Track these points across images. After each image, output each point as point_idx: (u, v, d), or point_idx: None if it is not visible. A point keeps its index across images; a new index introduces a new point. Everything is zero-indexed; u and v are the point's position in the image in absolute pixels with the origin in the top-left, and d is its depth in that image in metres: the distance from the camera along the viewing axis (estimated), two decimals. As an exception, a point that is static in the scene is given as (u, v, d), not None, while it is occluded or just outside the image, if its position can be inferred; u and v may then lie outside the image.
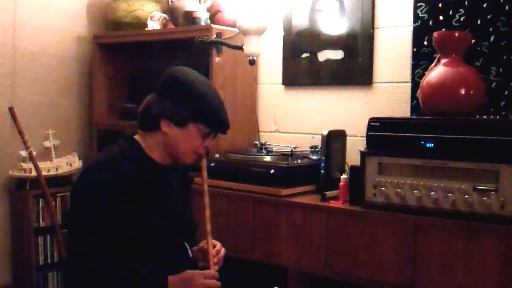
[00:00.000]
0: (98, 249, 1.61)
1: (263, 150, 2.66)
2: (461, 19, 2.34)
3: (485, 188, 1.86)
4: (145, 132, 1.74)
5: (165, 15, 3.07)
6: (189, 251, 1.85)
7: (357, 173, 2.14)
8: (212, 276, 1.71)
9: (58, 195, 3.06)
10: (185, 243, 1.87)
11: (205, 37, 2.62)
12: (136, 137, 1.76)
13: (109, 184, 1.62)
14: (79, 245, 1.63)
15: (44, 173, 3.00)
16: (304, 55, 2.84)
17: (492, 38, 2.27)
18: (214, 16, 2.85)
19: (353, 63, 2.68)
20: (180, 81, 1.71)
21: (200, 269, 1.77)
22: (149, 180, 1.71)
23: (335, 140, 2.41)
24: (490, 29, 2.27)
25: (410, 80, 2.50)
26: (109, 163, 1.68)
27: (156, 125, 1.69)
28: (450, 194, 1.92)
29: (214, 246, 1.82)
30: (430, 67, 2.25)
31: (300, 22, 2.84)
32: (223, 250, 1.85)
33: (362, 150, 2.14)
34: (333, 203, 2.21)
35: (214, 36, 2.65)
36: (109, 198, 1.61)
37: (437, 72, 2.16)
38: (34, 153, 2.96)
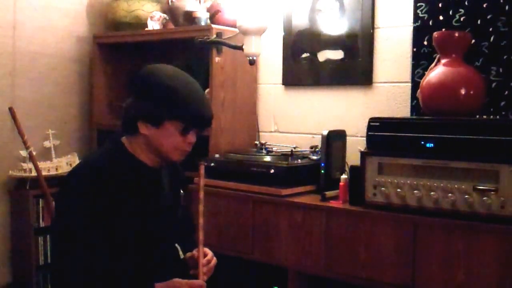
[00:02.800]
0: (85, 252, 1.59)
1: (263, 150, 2.65)
2: (461, 19, 2.34)
3: (485, 188, 1.86)
4: (129, 136, 1.72)
5: (165, 15, 3.07)
6: (180, 253, 1.84)
7: (357, 173, 2.14)
8: (199, 287, 1.70)
9: (58, 195, 3.06)
10: (176, 245, 1.86)
11: (205, 37, 2.62)
12: (123, 139, 1.74)
13: (96, 186, 1.61)
14: (66, 248, 1.61)
15: (44, 173, 3.00)
16: (304, 55, 2.84)
17: (492, 38, 2.27)
18: (214, 16, 2.85)
19: (353, 63, 2.68)
20: (149, 80, 1.67)
21: (191, 276, 1.76)
22: (137, 181, 1.70)
23: (335, 140, 2.41)
24: (490, 29, 2.27)
25: (410, 80, 2.50)
26: (96, 165, 1.66)
27: (135, 128, 1.67)
28: (450, 194, 1.92)
29: (205, 255, 1.80)
30: (430, 67, 2.25)
31: (300, 22, 2.84)
32: (214, 260, 1.83)
33: (362, 150, 2.14)
34: (333, 203, 2.21)
35: (214, 36, 2.65)
36: (96, 201, 1.60)
37: (437, 72, 2.16)
38: (34, 153, 2.96)
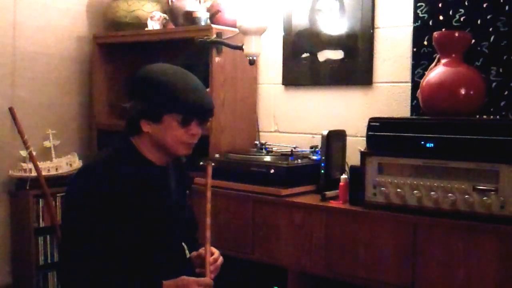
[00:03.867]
0: (93, 250, 1.60)
1: (263, 150, 2.66)
2: (461, 19, 2.34)
3: (485, 188, 1.86)
4: (135, 136, 1.74)
5: (165, 15, 3.07)
6: (187, 251, 1.85)
7: (357, 173, 2.14)
8: (207, 285, 1.71)
9: (58, 195, 3.06)
10: (183, 243, 1.87)
11: (205, 37, 2.62)
12: (132, 139, 1.75)
13: (104, 185, 1.62)
14: (74, 246, 1.62)
15: (44, 173, 3.00)
16: (304, 55, 2.84)
17: (492, 38, 2.27)
18: (214, 16, 2.85)
19: (353, 63, 2.68)
20: (143, 79, 1.71)
21: (197, 275, 1.77)
22: (145, 180, 1.71)
23: (335, 140, 2.41)
24: (490, 29, 2.27)
25: (410, 80, 2.50)
26: (105, 164, 1.68)
27: (138, 128, 1.69)
28: (450, 194, 1.92)
29: (212, 254, 1.81)
30: (430, 67, 2.25)
31: (300, 22, 2.84)
32: (220, 259, 1.84)
33: (362, 150, 2.14)
34: (333, 203, 2.21)
35: (214, 36, 2.65)
36: (104, 199, 1.61)
37: (437, 72, 2.16)
38: (34, 153, 2.96)
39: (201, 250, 1.82)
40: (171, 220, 1.78)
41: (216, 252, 1.84)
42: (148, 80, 1.69)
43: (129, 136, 1.75)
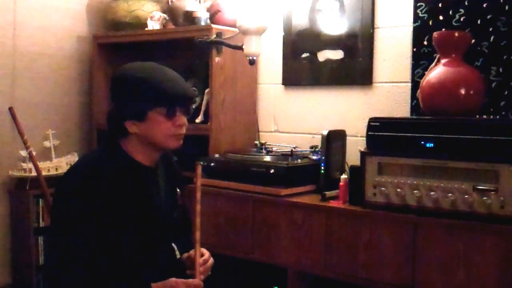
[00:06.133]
0: (81, 252, 1.59)
1: (263, 150, 2.66)
2: (461, 19, 2.34)
3: (485, 188, 1.86)
4: (122, 138, 1.72)
5: (165, 15, 3.07)
6: (177, 252, 1.84)
7: (357, 173, 2.14)
8: (196, 286, 1.69)
9: (58, 195, 3.06)
10: (173, 244, 1.86)
11: (205, 37, 2.62)
12: (119, 140, 1.74)
13: (92, 187, 1.60)
14: (62, 248, 1.61)
15: (44, 173, 3.00)
16: (304, 55, 2.84)
17: (492, 38, 2.27)
18: (214, 16, 2.85)
19: (353, 63, 2.67)
20: (119, 80, 1.70)
21: (187, 276, 1.76)
22: (133, 182, 1.70)
23: (335, 140, 2.41)
24: (490, 29, 2.27)
25: (410, 80, 2.50)
26: (92, 166, 1.67)
27: (123, 130, 1.68)
28: (450, 194, 1.92)
29: (202, 255, 1.80)
30: (430, 67, 2.25)
31: (300, 22, 2.84)
32: (211, 260, 1.83)
33: (362, 150, 2.14)
34: (333, 203, 2.21)
35: (214, 36, 2.65)
36: (91, 201, 1.59)
37: (437, 72, 2.16)
38: (34, 153, 2.96)
39: (192, 252, 1.81)
40: (160, 220, 1.77)
41: (206, 253, 1.83)
42: (126, 80, 1.68)
43: (115, 139, 1.73)
